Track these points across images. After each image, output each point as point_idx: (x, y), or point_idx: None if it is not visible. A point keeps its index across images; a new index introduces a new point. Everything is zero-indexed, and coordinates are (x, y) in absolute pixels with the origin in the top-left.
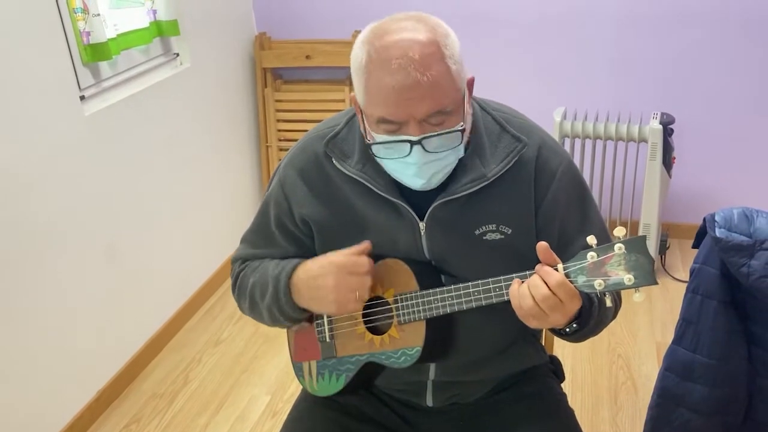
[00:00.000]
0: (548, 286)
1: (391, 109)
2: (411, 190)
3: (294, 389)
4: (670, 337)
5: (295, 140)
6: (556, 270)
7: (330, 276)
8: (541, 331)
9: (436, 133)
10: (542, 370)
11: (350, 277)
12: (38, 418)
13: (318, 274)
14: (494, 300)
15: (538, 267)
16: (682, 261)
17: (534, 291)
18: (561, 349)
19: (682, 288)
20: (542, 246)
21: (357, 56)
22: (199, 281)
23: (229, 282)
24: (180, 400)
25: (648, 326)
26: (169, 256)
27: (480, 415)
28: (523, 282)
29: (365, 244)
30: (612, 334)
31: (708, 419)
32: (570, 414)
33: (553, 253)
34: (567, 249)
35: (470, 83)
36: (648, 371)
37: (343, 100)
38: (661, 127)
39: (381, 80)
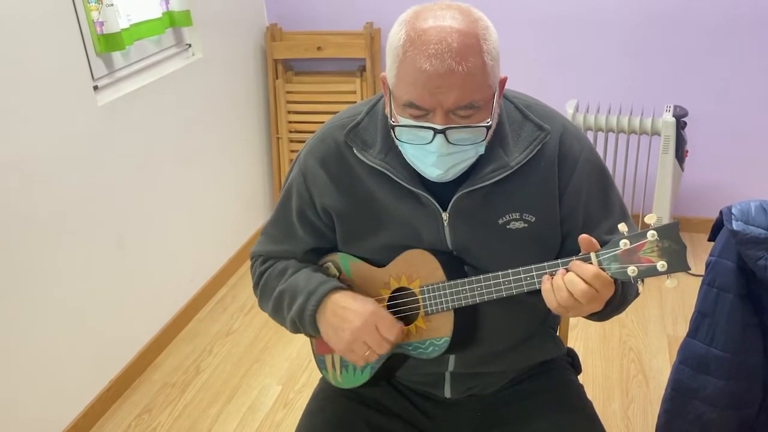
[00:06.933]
0: (584, 281)
1: (421, 94)
2: (433, 181)
3: (305, 379)
4: (681, 330)
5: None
6: (589, 258)
7: (359, 319)
8: (559, 323)
9: (461, 126)
10: (560, 362)
11: (374, 332)
12: (50, 408)
13: (353, 310)
14: (525, 289)
15: (571, 264)
16: (693, 255)
17: (571, 287)
18: (572, 341)
19: (693, 281)
20: (585, 238)
21: (394, 35)
22: (210, 272)
23: (240, 273)
24: (191, 390)
25: (659, 319)
26: (180, 246)
27: (498, 407)
28: (554, 276)
29: (402, 330)
30: (623, 327)
31: (722, 412)
32: (589, 405)
33: (595, 241)
34: (591, 235)
35: (502, 82)
36: (659, 364)
37: (354, 92)
38: (674, 120)
39: (415, 63)
